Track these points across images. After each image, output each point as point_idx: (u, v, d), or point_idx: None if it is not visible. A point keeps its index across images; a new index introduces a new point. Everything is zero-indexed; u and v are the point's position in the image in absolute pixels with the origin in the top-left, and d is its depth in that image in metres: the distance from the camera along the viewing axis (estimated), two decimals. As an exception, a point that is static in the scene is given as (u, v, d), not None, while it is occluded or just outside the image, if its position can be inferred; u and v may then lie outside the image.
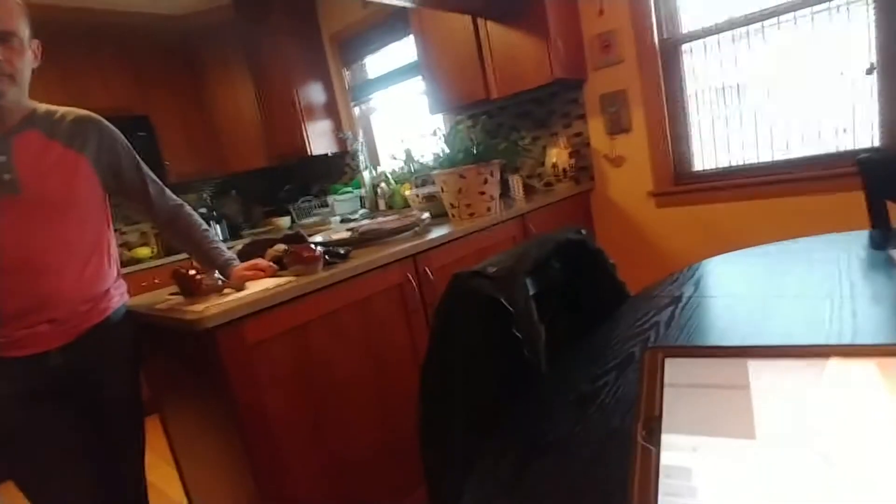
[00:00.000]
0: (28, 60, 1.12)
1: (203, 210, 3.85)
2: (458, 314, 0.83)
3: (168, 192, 1.41)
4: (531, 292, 0.91)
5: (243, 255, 1.58)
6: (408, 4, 2.09)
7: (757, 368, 0.49)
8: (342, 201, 3.48)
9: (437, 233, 1.77)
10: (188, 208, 1.44)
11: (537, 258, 0.96)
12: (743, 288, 1.08)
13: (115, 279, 1.31)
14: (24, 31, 1.10)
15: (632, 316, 1.01)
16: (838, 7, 1.88)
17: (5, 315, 1.10)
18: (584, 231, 1.11)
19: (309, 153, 3.57)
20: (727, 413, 0.46)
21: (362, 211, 3.45)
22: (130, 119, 3.32)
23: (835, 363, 0.48)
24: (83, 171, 1.20)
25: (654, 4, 2.29)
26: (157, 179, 1.38)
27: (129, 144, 1.32)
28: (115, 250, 1.32)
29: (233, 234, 3.87)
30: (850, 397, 0.43)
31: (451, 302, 0.83)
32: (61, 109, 1.22)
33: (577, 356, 0.86)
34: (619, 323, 0.99)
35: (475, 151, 1.89)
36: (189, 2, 3.39)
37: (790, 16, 1.99)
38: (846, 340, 0.69)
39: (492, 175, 1.96)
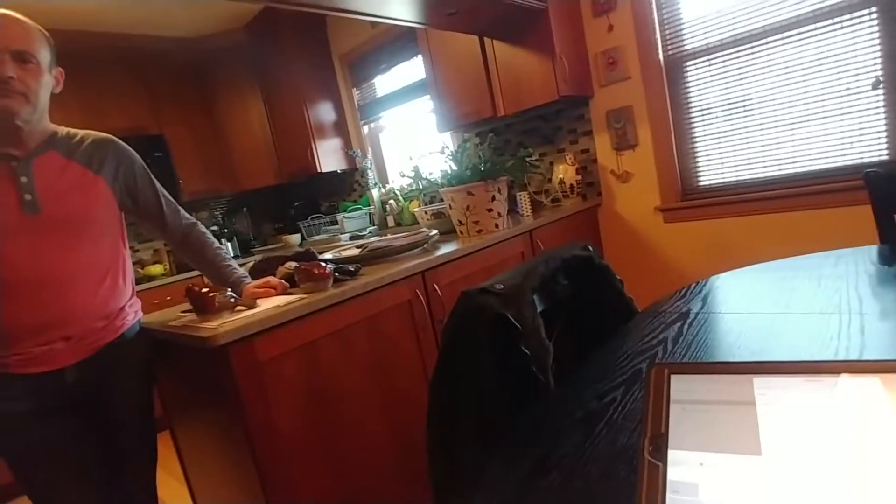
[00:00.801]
0: (46, 84, 1.16)
1: (214, 227, 3.91)
2: (467, 331, 0.84)
3: (182, 210, 1.44)
4: (539, 309, 0.92)
5: (255, 273, 1.60)
6: (415, 25, 2.13)
7: (763, 385, 0.50)
8: (351, 218, 3.52)
9: (446, 249, 1.78)
10: (201, 227, 1.47)
11: (544, 275, 0.97)
12: (751, 304, 1.08)
13: (130, 297, 1.33)
14: (44, 55, 1.14)
15: (639, 332, 1.02)
16: (842, 23, 1.90)
17: (23, 332, 1.12)
18: (591, 247, 1.12)
19: (318, 171, 3.62)
20: (733, 429, 0.46)
21: (371, 228, 3.48)
22: (146, 139, 3.39)
23: (841, 379, 0.48)
24: (100, 192, 1.23)
25: (659, 21, 2.32)
26: (172, 199, 1.42)
27: (144, 165, 1.36)
28: (129, 268, 1.34)
29: (243, 250, 3.91)
30: (857, 413, 0.43)
31: (459, 319, 0.84)
32: (80, 132, 1.26)
33: (585, 373, 0.86)
34: (627, 339, 0.99)
35: (483, 168, 1.91)
36: (202, 25, 3.48)
37: (794, 32, 2.01)
38: (854, 357, 0.69)
39: (499, 192, 1.98)
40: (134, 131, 3.34)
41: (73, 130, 1.25)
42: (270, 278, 1.45)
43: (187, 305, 1.42)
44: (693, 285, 1.22)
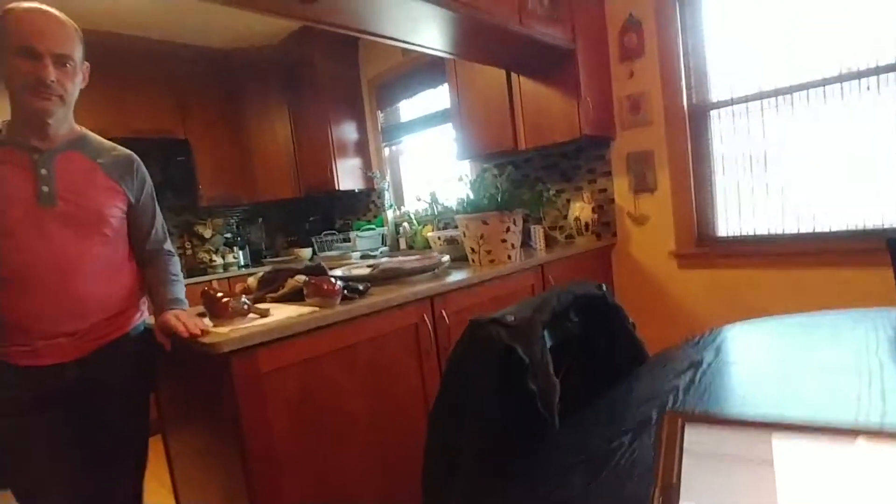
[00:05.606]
0: (78, 82, 1.19)
1: (228, 235, 3.94)
2: (473, 361, 0.82)
3: (168, 242, 1.42)
4: (548, 344, 0.90)
5: (264, 282, 1.61)
6: (446, 55, 2.17)
7: (782, 443, 0.48)
8: (364, 237, 3.53)
9: (456, 276, 1.77)
10: (173, 255, 1.43)
11: (556, 310, 0.95)
12: (766, 357, 1.05)
13: (138, 297, 1.33)
14: (78, 54, 1.17)
15: (650, 377, 0.99)
16: (868, 85, 1.91)
17: (30, 324, 1.12)
18: (604, 286, 1.10)
19: (336, 188, 3.66)
20: (749, 487, 0.45)
21: (383, 248, 3.48)
22: (171, 142, 3.47)
23: (863, 444, 0.46)
24: (118, 199, 1.26)
25: (685, 70, 2.35)
26: (165, 227, 1.42)
27: (153, 187, 1.38)
28: (137, 269, 1.35)
29: (254, 260, 3.93)
30: (876, 479, 0.42)
31: (466, 347, 0.83)
32: (107, 143, 1.30)
33: (592, 415, 0.84)
34: (637, 384, 0.97)
35: (500, 199, 1.92)
36: (237, 38, 3.57)
37: (820, 91, 2.01)
38: (875, 421, 0.67)
39: (514, 223, 1.98)
40: (160, 133, 3.41)
41: (100, 139, 1.30)
42: (191, 319, 1.25)
43: (200, 308, 1.41)
44: (706, 333, 1.20)
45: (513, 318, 0.86)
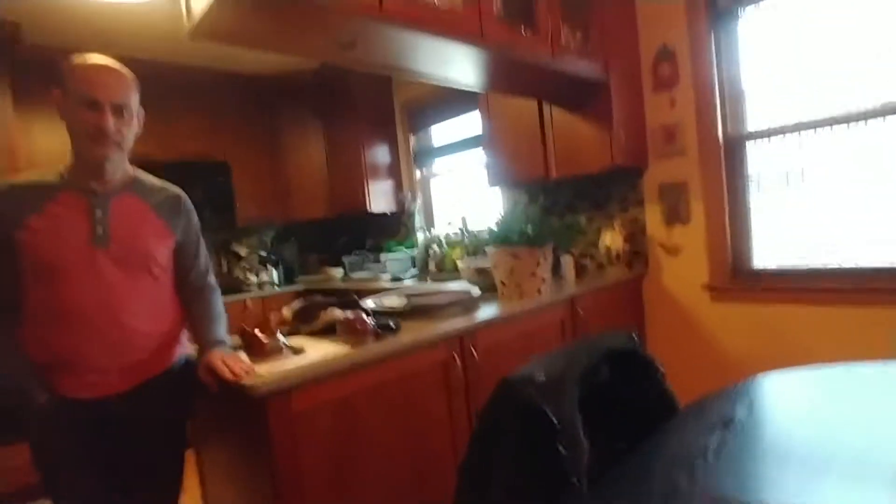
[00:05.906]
0: (133, 129, 1.27)
1: (262, 253, 4.05)
2: (503, 419, 0.84)
3: (210, 275, 1.45)
4: (577, 394, 0.91)
5: (299, 315, 1.65)
6: (477, 90, 2.21)
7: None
8: (394, 260, 3.57)
9: (486, 311, 1.78)
10: (216, 290, 1.46)
11: (586, 366, 0.96)
12: (802, 417, 1.03)
13: (181, 332, 1.40)
14: (135, 102, 1.25)
15: (680, 434, 0.98)
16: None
17: (78, 358, 1.19)
18: (636, 337, 1.10)
19: (368, 209, 3.73)
20: None
21: (412, 271, 3.52)
22: (212, 165, 3.60)
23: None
24: (166, 238, 1.32)
25: (720, 100, 2.32)
26: (207, 261, 1.45)
27: (199, 222, 1.43)
28: (182, 304, 1.41)
29: (287, 278, 4.03)
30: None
31: (496, 406, 0.84)
32: (157, 182, 1.37)
33: (620, 478, 0.84)
34: (666, 442, 0.96)
35: (531, 233, 1.92)
36: (275, 64, 3.70)
37: (861, 122, 1.96)
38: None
39: (545, 258, 1.98)
40: (201, 157, 3.55)
41: (151, 179, 1.36)
42: (239, 362, 1.29)
43: (237, 341, 1.46)
44: (740, 384, 1.18)
45: (543, 377, 0.87)
